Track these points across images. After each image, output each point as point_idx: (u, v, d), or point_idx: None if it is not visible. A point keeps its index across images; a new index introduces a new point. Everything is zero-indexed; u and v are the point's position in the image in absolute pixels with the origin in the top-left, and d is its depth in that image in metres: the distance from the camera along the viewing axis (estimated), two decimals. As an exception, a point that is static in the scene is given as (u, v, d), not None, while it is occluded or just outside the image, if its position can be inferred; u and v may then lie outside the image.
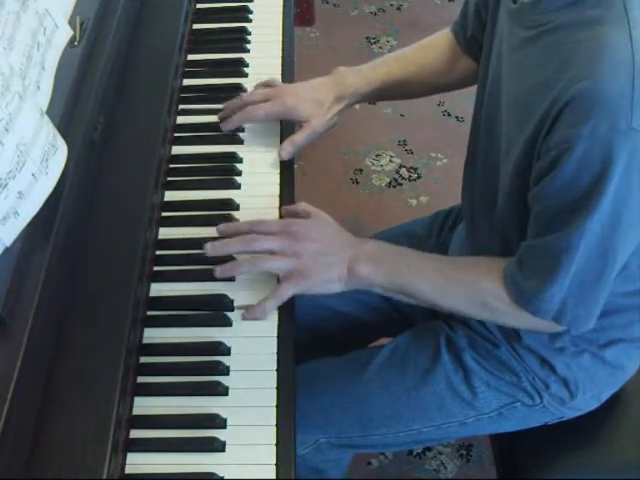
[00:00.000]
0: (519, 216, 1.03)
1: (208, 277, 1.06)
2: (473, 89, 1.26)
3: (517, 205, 1.03)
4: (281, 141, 1.23)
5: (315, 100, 1.22)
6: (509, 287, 1.01)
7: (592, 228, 0.92)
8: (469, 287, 1.06)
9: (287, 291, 1.01)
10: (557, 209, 0.94)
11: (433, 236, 1.38)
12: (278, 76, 1.34)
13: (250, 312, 1.01)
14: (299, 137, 1.21)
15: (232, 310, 1.03)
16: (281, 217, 1.12)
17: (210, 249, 1.02)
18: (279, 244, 1.02)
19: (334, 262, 1.04)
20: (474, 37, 1.24)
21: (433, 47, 1.32)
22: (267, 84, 1.27)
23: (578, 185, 0.90)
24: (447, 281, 1.06)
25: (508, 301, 1.02)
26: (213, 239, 1.08)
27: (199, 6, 1.47)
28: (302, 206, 1.10)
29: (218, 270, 1.02)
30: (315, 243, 1.04)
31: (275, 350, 1.00)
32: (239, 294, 1.05)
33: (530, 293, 0.99)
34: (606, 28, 0.88)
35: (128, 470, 0.88)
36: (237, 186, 1.18)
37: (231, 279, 1.06)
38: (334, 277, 1.04)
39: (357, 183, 2.39)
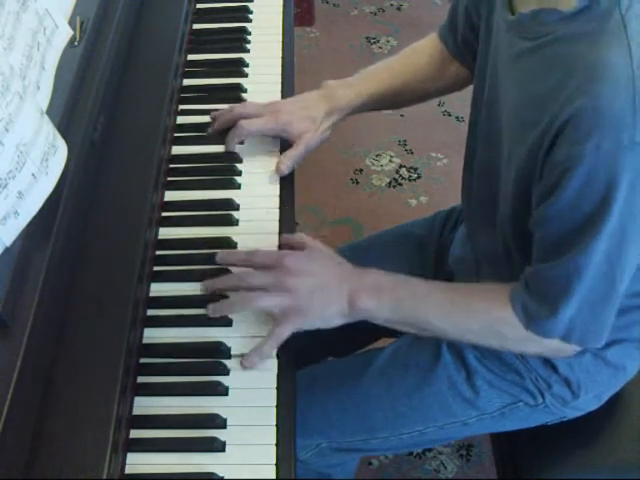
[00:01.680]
0: (520, 220, 1.02)
1: (208, 277, 1.06)
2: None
3: (518, 210, 1.02)
4: (281, 141, 1.23)
5: (307, 116, 1.23)
6: (518, 313, 1.00)
7: (600, 248, 0.91)
8: (482, 315, 1.03)
9: (284, 331, 0.98)
10: (563, 231, 0.93)
11: (434, 237, 1.38)
12: (278, 76, 1.34)
13: (248, 360, 0.97)
14: (294, 152, 1.21)
15: (232, 310, 1.03)
16: (280, 232, 1.12)
17: (204, 287, 1.03)
18: (272, 281, 1.00)
19: (332, 296, 1.01)
20: (465, 41, 1.24)
21: (421, 54, 1.32)
22: (253, 108, 1.25)
23: (584, 204, 0.89)
24: (458, 310, 1.04)
25: (519, 327, 1.00)
26: (213, 241, 1.09)
27: (199, 6, 1.47)
28: (298, 237, 1.08)
29: (210, 309, 1.00)
30: (311, 277, 1.01)
31: (275, 350, 1.00)
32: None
33: (541, 318, 0.98)
34: (605, 42, 0.87)
35: (128, 470, 0.88)
36: (237, 186, 1.18)
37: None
38: (334, 312, 1.01)
39: (357, 183, 2.39)
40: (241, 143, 1.23)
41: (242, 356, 0.99)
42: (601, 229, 0.89)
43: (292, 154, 1.20)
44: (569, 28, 0.91)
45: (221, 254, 1.05)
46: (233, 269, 1.05)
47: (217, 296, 1.03)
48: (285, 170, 1.19)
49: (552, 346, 1.02)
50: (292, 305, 0.99)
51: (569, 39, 0.91)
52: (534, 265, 0.99)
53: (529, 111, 0.95)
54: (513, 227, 1.06)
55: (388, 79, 1.29)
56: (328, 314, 1.01)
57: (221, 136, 1.24)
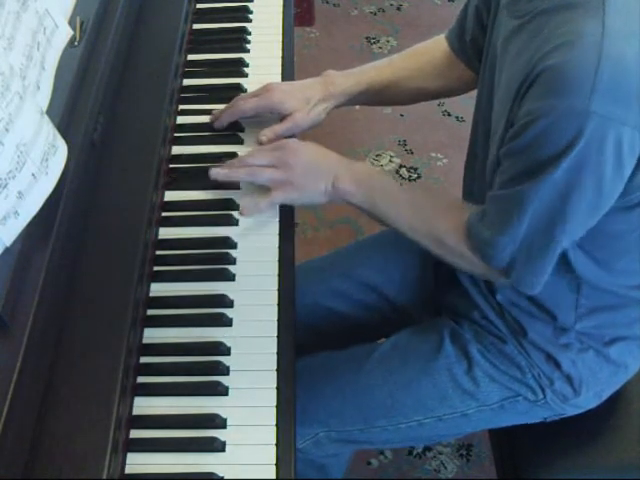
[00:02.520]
0: None
1: (208, 277, 1.06)
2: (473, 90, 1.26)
3: None
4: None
5: (302, 97, 1.25)
6: (468, 233, 1.06)
7: (544, 192, 0.95)
8: (433, 224, 1.12)
9: (278, 197, 1.12)
10: (518, 168, 0.98)
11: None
12: (278, 76, 1.34)
13: (244, 209, 1.12)
14: (280, 127, 1.24)
15: (232, 308, 1.03)
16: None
17: (213, 173, 1.14)
18: (272, 159, 1.13)
19: (322, 176, 1.13)
20: (473, 42, 1.24)
21: (424, 52, 1.34)
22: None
23: (537, 152, 0.94)
24: (413, 213, 1.14)
25: (464, 245, 1.07)
26: (213, 241, 1.09)
27: (199, 6, 1.47)
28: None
29: (213, 172, 1.14)
30: (307, 161, 1.14)
31: (275, 350, 1.00)
32: (239, 294, 1.05)
33: (484, 241, 1.04)
34: (581, 12, 0.91)
35: (128, 470, 0.88)
36: (237, 186, 1.18)
37: (231, 279, 1.06)
38: (321, 189, 1.13)
39: (357, 183, 2.39)
40: (241, 130, 1.25)
41: (242, 355, 0.99)
42: (547, 176, 0.94)
43: (277, 128, 1.23)
44: (552, 1, 0.95)
45: (215, 170, 1.15)
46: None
47: (217, 295, 1.04)
48: (265, 141, 1.22)
49: (492, 274, 1.09)
50: (288, 180, 1.13)
51: (551, 10, 0.95)
52: (492, 191, 1.04)
53: (513, 84, 0.98)
54: None
55: (388, 72, 1.31)
56: (315, 189, 1.14)
57: (221, 136, 1.24)
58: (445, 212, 1.14)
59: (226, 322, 1.02)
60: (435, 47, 1.33)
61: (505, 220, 1.00)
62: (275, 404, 0.95)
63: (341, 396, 1.20)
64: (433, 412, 1.20)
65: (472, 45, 1.25)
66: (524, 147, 0.95)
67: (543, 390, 1.17)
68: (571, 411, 1.21)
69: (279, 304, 1.05)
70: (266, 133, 1.23)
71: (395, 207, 1.15)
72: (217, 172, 1.14)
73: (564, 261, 1.06)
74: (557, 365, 1.16)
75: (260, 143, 1.22)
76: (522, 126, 0.94)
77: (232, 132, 1.25)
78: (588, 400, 1.20)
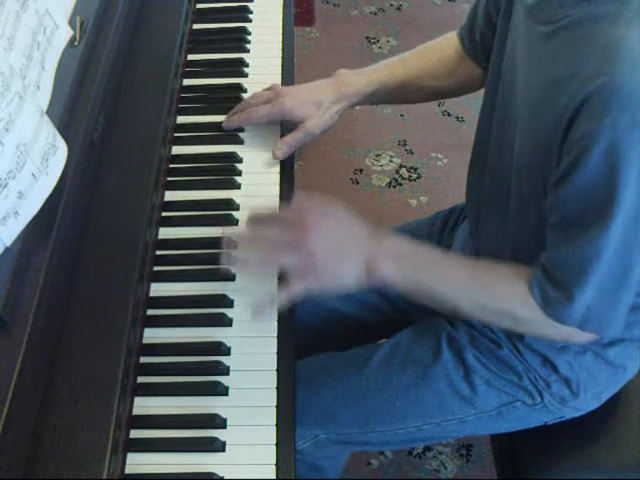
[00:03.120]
0: (535, 218, 1.01)
1: (208, 277, 1.06)
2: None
3: (527, 201, 1.02)
4: (282, 133, 1.24)
5: (313, 101, 1.23)
6: (536, 297, 0.98)
7: (617, 228, 0.89)
8: (499, 294, 1.02)
9: (298, 289, 0.95)
10: (580, 212, 0.91)
11: (434, 236, 1.37)
12: (278, 76, 1.34)
13: (259, 306, 0.96)
14: (292, 138, 1.22)
15: (232, 308, 1.03)
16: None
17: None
18: (290, 239, 0.96)
19: (350, 259, 0.97)
20: (482, 39, 1.24)
21: (436, 50, 1.32)
22: (269, 88, 1.28)
23: (600, 184, 0.88)
24: (476, 286, 1.02)
25: (535, 309, 0.98)
26: (213, 241, 1.09)
27: (199, 6, 1.47)
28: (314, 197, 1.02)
29: (225, 259, 1.00)
30: (329, 237, 0.97)
31: (275, 350, 1.00)
32: (239, 294, 1.05)
33: (558, 302, 0.97)
34: (623, 23, 0.87)
35: (128, 470, 0.88)
36: (237, 186, 1.18)
37: (231, 279, 1.06)
38: (349, 275, 0.97)
39: (357, 183, 2.39)
40: (242, 130, 1.25)
41: (242, 357, 0.99)
42: (618, 210, 0.88)
43: (289, 140, 1.22)
44: (587, 10, 0.91)
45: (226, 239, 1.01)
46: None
47: (217, 295, 1.04)
48: (280, 156, 1.20)
49: (565, 332, 1.00)
50: (308, 265, 0.95)
51: (586, 21, 0.90)
52: (550, 250, 0.98)
53: (546, 95, 0.94)
54: (522, 222, 1.05)
55: (401, 70, 1.29)
56: (343, 277, 0.97)
57: (221, 136, 1.24)
58: (508, 280, 1.01)
59: (226, 322, 1.02)
60: (446, 44, 1.32)
61: (580, 278, 0.93)
62: (275, 404, 0.95)
63: (340, 399, 1.19)
64: (431, 418, 1.19)
65: (481, 43, 1.24)
66: (587, 181, 0.88)
67: (541, 394, 1.17)
68: (570, 414, 1.20)
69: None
70: (281, 148, 1.21)
71: (449, 284, 1.02)
72: (229, 259, 1.00)
73: None
74: (554, 368, 1.16)
75: (275, 158, 1.20)
76: (578, 155, 0.88)
77: (232, 132, 1.25)
78: (587, 402, 1.19)
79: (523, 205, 1.04)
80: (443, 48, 1.32)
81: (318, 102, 1.23)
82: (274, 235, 0.97)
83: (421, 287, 1.02)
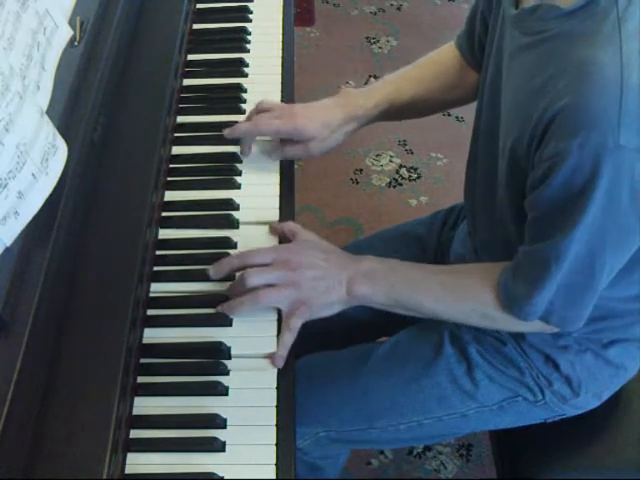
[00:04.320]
0: (515, 209, 1.04)
1: (208, 277, 1.06)
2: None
3: (513, 197, 1.04)
4: (281, 141, 1.23)
5: (323, 121, 1.21)
6: (502, 294, 1.03)
7: (580, 237, 0.93)
8: (470, 298, 1.08)
9: (296, 322, 1.01)
10: (548, 218, 0.96)
11: (434, 235, 1.38)
12: (278, 76, 1.34)
13: (277, 359, 0.98)
14: (290, 150, 1.21)
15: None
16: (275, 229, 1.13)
17: (211, 272, 1.04)
18: (276, 276, 1.02)
19: (332, 286, 1.04)
20: (482, 46, 1.22)
21: (437, 63, 1.31)
22: (270, 107, 1.23)
23: (567, 195, 0.92)
24: (450, 295, 1.08)
25: (502, 308, 1.04)
26: (213, 241, 1.09)
27: (199, 6, 1.47)
28: (288, 226, 1.11)
29: (221, 307, 1.02)
30: (311, 269, 1.04)
31: (275, 350, 1.00)
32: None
33: (519, 299, 1.01)
34: (598, 41, 0.88)
35: (128, 470, 0.88)
36: (237, 186, 1.18)
37: (231, 279, 1.06)
38: (334, 300, 1.05)
39: (357, 183, 2.39)
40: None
41: (242, 357, 0.99)
42: (581, 219, 0.92)
43: (286, 149, 1.21)
44: (567, 25, 0.92)
45: (213, 268, 1.04)
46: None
47: (217, 295, 1.04)
48: (274, 158, 1.20)
49: (536, 326, 1.05)
50: (298, 299, 1.02)
51: (566, 37, 0.92)
52: (523, 247, 1.02)
53: (524, 105, 0.96)
54: (511, 218, 1.07)
55: (407, 88, 1.28)
56: (330, 302, 1.05)
57: (221, 136, 1.24)
58: (480, 281, 1.07)
59: (226, 322, 1.02)
60: (446, 55, 1.31)
61: (540, 277, 0.98)
62: (275, 404, 0.95)
63: (341, 396, 1.20)
64: (433, 413, 1.20)
65: (480, 51, 1.23)
66: (554, 192, 0.93)
67: (542, 391, 1.17)
68: (571, 412, 1.21)
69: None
70: (277, 153, 1.21)
71: (424, 294, 1.08)
72: (222, 309, 1.03)
73: None
74: (556, 366, 1.16)
75: (272, 159, 1.20)
76: (548, 169, 0.92)
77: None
78: (587, 401, 1.20)
79: (507, 196, 1.06)
80: (443, 61, 1.31)
81: (327, 123, 1.22)
82: (263, 278, 1.02)
83: (399, 301, 1.08)
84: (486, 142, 1.13)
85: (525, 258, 1.01)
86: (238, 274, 1.05)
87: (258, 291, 1.01)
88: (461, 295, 1.08)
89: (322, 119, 1.21)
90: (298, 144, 1.21)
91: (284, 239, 1.12)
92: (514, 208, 1.05)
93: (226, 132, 1.20)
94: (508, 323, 1.07)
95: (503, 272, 1.04)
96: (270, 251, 1.06)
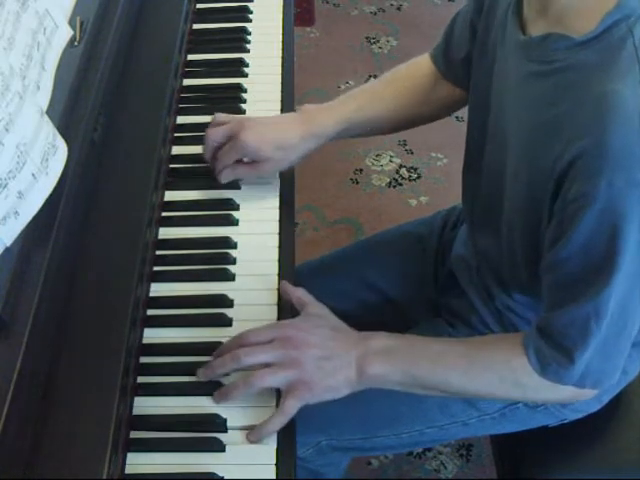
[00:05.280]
0: (531, 234, 1.00)
1: (208, 277, 1.06)
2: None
3: (531, 224, 0.99)
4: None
5: (277, 143, 1.14)
6: (532, 360, 0.96)
7: (617, 289, 0.88)
8: (500, 367, 0.99)
9: (292, 407, 0.92)
10: (578, 273, 0.90)
11: (435, 235, 1.37)
12: (278, 76, 1.34)
13: (254, 434, 0.91)
14: (242, 171, 1.16)
15: (232, 308, 1.03)
16: (281, 266, 1.08)
17: (202, 376, 0.95)
18: (275, 354, 0.94)
19: (339, 366, 0.96)
20: (465, 57, 1.19)
21: (406, 78, 1.27)
22: (225, 119, 1.18)
23: (598, 243, 0.87)
24: (476, 365, 0.99)
25: (534, 374, 0.97)
26: (213, 241, 1.09)
27: (199, 6, 1.47)
28: (298, 294, 1.02)
29: (216, 396, 0.94)
30: (315, 348, 0.95)
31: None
32: (239, 294, 1.05)
33: (557, 365, 0.95)
34: (616, 74, 0.85)
35: (128, 470, 0.88)
36: (237, 186, 1.18)
37: (231, 279, 1.06)
38: (340, 382, 0.96)
39: (357, 183, 2.39)
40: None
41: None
42: (617, 270, 0.87)
43: (237, 170, 1.15)
44: (580, 56, 0.88)
45: (203, 371, 0.95)
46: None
47: (217, 295, 1.04)
48: (222, 179, 1.15)
49: (567, 393, 0.99)
50: (299, 379, 0.94)
51: (580, 68, 0.88)
52: (548, 311, 0.96)
53: (539, 136, 0.93)
54: (523, 238, 1.03)
55: (369, 104, 1.22)
56: (335, 384, 0.96)
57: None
58: (508, 347, 0.99)
59: (226, 322, 1.02)
60: (417, 69, 1.27)
61: (581, 340, 0.92)
62: (275, 404, 0.95)
63: (343, 406, 1.18)
64: (434, 422, 1.19)
65: (463, 61, 1.19)
66: (585, 241, 0.87)
67: None
68: (572, 416, 1.20)
69: (279, 304, 1.04)
70: (226, 175, 1.15)
71: (449, 368, 0.99)
72: (218, 396, 0.94)
73: None
74: None
75: (218, 178, 1.15)
76: (575, 214, 0.86)
77: (232, 132, 1.25)
78: (588, 404, 1.19)
79: (523, 224, 1.02)
80: (414, 75, 1.26)
81: (281, 144, 1.15)
82: (260, 358, 0.94)
83: (419, 379, 1.00)
84: (493, 156, 1.09)
85: (557, 323, 0.94)
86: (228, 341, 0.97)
87: (253, 374, 0.93)
88: (489, 364, 0.99)
89: (276, 137, 1.15)
90: (249, 165, 1.15)
91: (290, 306, 1.04)
92: (526, 238, 1.00)
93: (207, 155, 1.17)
94: (538, 391, 0.99)
95: (527, 337, 0.97)
96: (271, 329, 0.97)
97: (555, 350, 0.95)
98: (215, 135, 1.16)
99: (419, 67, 1.27)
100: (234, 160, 1.15)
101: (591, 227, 0.86)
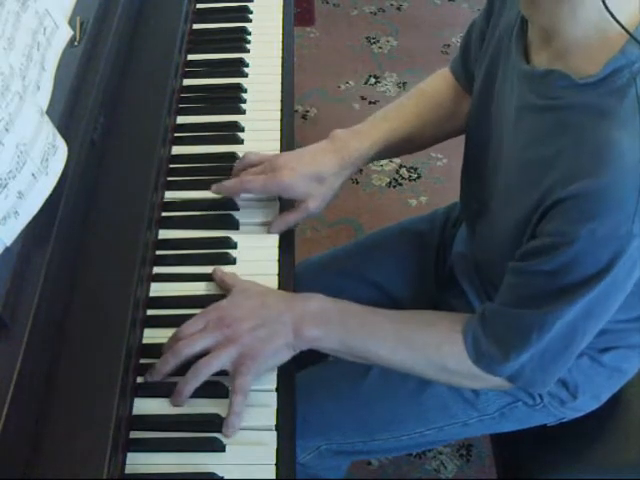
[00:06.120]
0: (516, 236, 0.99)
1: (208, 278, 1.06)
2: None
3: (518, 242, 0.99)
4: (281, 142, 1.23)
5: (315, 175, 1.12)
6: (469, 347, 0.99)
7: (568, 317, 0.92)
8: (430, 350, 1.01)
9: (245, 381, 0.92)
10: (541, 288, 0.92)
11: (436, 232, 1.36)
12: (278, 76, 1.34)
13: (228, 428, 0.91)
14: (292, 218, 1.13)
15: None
16: None
17: (149, 378, 0.95)
18: (211, 338, 0.94)
19: (275, 330, 0.96)
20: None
21: (434, 94, 1.24)
22: (257, 160, 1.15)
23: (565, 277, 0.89)
24: (407, 344, 1.01)
25: (466, 362, 0.99)
26: (213, 241, 1.09)
27: (199, 6, 1.47)
28: (222, 278, 1.03)
29: (172, 400, 0.94)
30: (247, 320, 0.96)
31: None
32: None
33: (491, 358, 0.98)
34: (617, 121, 0.84)
35: (128, 470, 0.88)
36: (237, 186, 1.18)
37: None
38: (280, 345, 0.96)
39: (357, 183, 2.39)
40: (241, 130, 1.22)
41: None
42: (577, 301, 0.90)
43: (288, 219, 1.13)
44: (582, 98, 0.87)
45: (149, 374, 0.95)
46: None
47: (216, 295, 1.04)
48: (274, 232, 1.12)
49: (495, 382, 1.02)
50: (241, 354, 0.94)
51: (582, 110, 0.87)
52: (497, 303, 0.98)
53: (532, 169, 0.93)
54: (512, 251, 1.01)
55: (403, 125, 1.20)
56: (276, 348, 0.96)
57: (221, 136, 1.24)
58: (445, 331, 1.01)
59: (226, 322, 1.02)
60: (440, 84, 1.25)
61: (519, 343, 0.95)
62: (275, 405, 0.95)
63: (342, 410, 1.19)
64: (434, 423, 1.19)
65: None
66: (554, 269, 0.89)
67: (540, 394, 1.17)
68: (571, 414, 1.20)
69: (279, 304, 1.04)
70: (277, 226, 1.12)
71: (379, 342, 1.00)
72: (175, 399, 0.94)
73: None
74: None
75: (269, 232, 1.12)
76: (552, 246, 0.88)
77: (232, 132, 1.25)
78: (586, 403, 1.19)
79: (511, 241, 1.01)
80: (440, 89, 1.25)
81: (319, 176, 1.12)
82: (198, 345, 0.95)
83: (352, 348, 1.00)
84: (491, 167, 1.08)
85: (502, 319, 0.97)
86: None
87: (197, 364, 0.93)
88: (419, 346, 1.01)
89: (312, 171, 1.12)
90: (297, 209, 1.13)
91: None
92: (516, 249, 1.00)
93: (213, 188, 1.14)
94: (466, 378, 1.02)
95: (469, 323, 0.99)
96: (201, 316, 0.97)
97: (493, 344, 0.97)
98: (252, 186, 1.11)
99: (441, 80, 1.25)
100: (266, 192, 1.13)
101: (564, 261, 0.88)
